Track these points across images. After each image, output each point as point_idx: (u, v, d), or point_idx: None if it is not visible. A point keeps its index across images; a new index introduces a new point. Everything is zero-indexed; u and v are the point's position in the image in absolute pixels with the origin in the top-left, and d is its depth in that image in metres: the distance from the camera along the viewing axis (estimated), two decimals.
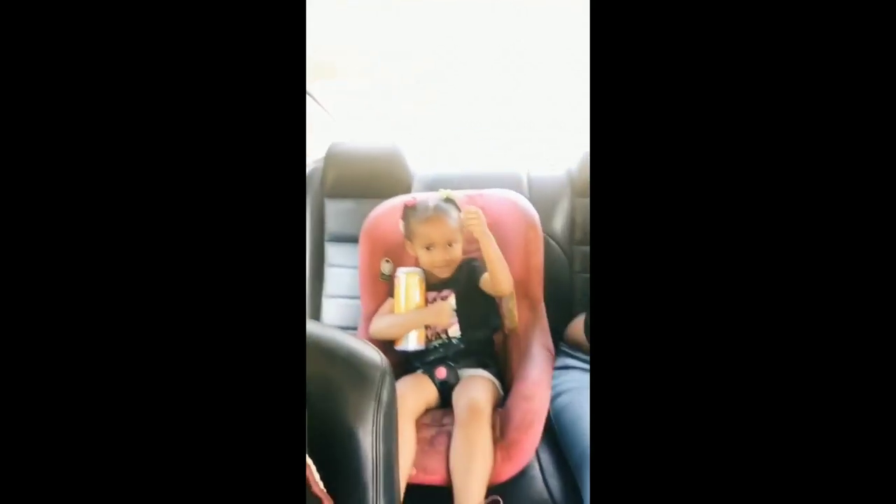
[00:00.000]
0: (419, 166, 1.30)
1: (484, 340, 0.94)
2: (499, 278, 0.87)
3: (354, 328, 1.08)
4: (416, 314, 0.90)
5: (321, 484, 0.42)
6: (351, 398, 0.50)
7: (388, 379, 0.51)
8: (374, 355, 0.52)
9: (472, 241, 1.01)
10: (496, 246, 0.87)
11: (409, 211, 0.96)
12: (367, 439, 0.48)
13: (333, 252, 1.28)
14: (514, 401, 0.79)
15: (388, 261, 1.04)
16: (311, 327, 0.56)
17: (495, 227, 1.03)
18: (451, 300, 0.92)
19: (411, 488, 0.73)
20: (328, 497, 0.42)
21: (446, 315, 0.89)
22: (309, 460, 0.43)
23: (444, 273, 0.94)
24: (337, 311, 1.25)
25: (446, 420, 0.81)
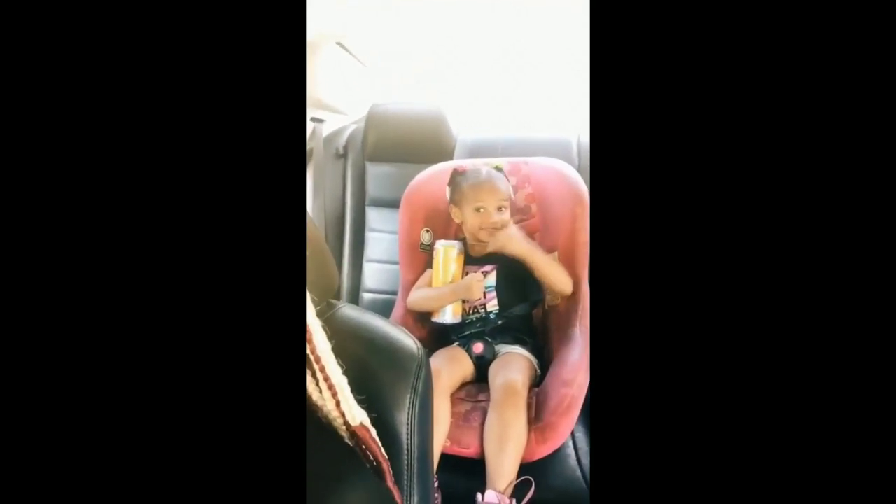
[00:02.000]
0: (463, 131, 1.25)
1: (523, 316, 0.93)
2: (556, 286, 0.88)
3: (393, 293, 1.09)
4: (449, 289, 0.90)
5: (382, 447, 0.43)
6: (387, 388, 0.50)
7: (424, 370, 0.51)
8: (412, 345, 0.52)
9: (516, 212, 0.98)
10: (542, 257, 0.88)
11: (458, 176, 0.94)
12: (403, 430, 0.48)
13: (374, 216, 1.28)
14: (552, 384, 0.78)
15: (428, 230, 1.03)
16: (351, 312, 0.56)
17: (540, 199, 0.99)
18: (490, 277, 0.90)
19: (445, 457, 0.75)
20: (386, 460, 0.43)
21: (477, 290, 0.87)
22: (368, 423, 0.43)
23: (491, 237, 0.91)
24: (377, 276, 1.26)
25: (482, 396, 0.82)
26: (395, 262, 1.12)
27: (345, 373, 0.45)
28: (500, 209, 0.90)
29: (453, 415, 0.78)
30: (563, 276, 0.88)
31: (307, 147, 1.26)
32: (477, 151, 1.17)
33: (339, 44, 1.05)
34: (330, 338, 0.46)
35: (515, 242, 0.86)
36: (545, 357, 0.90)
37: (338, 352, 0.48)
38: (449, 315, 0.90)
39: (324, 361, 0.44)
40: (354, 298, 1.27)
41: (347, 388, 0.45)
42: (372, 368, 0.50)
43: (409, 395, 0.49)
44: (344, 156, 1.31)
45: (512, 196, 0.94)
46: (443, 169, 1.03)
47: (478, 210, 0.90)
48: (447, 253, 0.91)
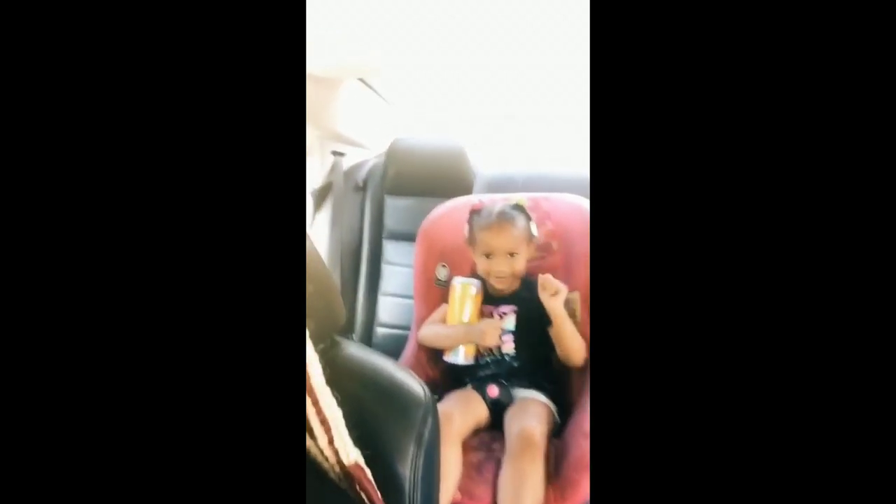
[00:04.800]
0: (482, 166, 1.24)
1: (541, 360, 0.88)
2: (571, 356, 0.83)
3: (409, 328, 1.06)
4: (463, 329, 0.86)
5: (378, 490, 0.41)
6: (390, 435, 0.46)
7: (430, 418, 0.47)
8: (418, 389, 0.48)
9: (538, 250, 0.94)
10: (570, 324, 0.82)
11: (473, 215, 0.90)
12: (405, 484, 0.44)
13: (391, 249, 1.27)
14: (573, 435, 0.72)
15: (444, 265, 1.00)
16: (355, 351, 0.53)
17: (562, 236, 0.96)
18: (508, 320, 0.86)
19: None
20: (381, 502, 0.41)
21: (491, 336, 0.83)
22: (363, 463, 0.41)
23: (502, 284, 0.88)
24: (392, 310, 1.24)
25: (496, 445, 0.77)
26: (411, 297, 1.10)
27: (339, 405, 0.42)
28: (511, 255, 0.85)
29: (465, 464, 0.73)
30: (580, 350, 0.83)
31: (327, 180, 1.27)
32: (496, 186, 1.16)
33: (360, 80, 1.07)
34: (325, 368, 0.43)
35: (559, 301, 0.80)
36: (565, 403, 0.85)
37: (337, 390, 0.45)
38: (461, 356, 0.85)
39: (317, 394, 0.41)
40: (368, 332, 1.25)
41: (342, 423, 0.43)
42: (374, 414, 0.46)
43: (412, 447, 0.45)
44: (363, 189, 1.31)
45: (534, 235, 0.90)
46: (460, 203, 1.02)
47: (487, 256, 0.86)
48: (465, 290, 0.87)
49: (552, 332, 0.84)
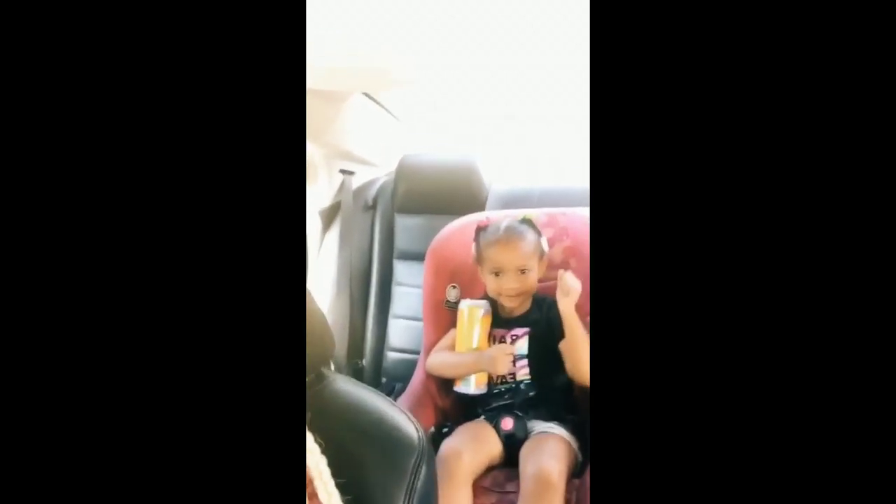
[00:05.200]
0: (495, 181, 1.20)
1: (561, 388, 0.81)
2: (579, 369, 0.76)
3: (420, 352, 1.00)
4: (472, 357, 0.80)
5: None
6: (378, 486, 0.40)
7: (424, 466, 0.41)
8: (411, 433, 0.42)
9: (552, 268, 0.88)
10: (581, 331, 0.75)
11: (479, 232, 0.86)
12: None
13: (402, 270, 1.22)
14: None
15: (454, 287, 0.95)
16: (344, 387, 0.47)
17: (578, 252, 0.90)
18: (519, 344, 0.80)
19: None
20: None
21: (502, 364, 0.77)
22: None
23: (514, 303, 0.82)
24: (403, 333, 1.18)
25: (510, 486, 0.70)
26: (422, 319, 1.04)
27: (323, 452, 0.38)
28: (522, 272, 0.80)
29: None
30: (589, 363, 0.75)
31: (335, 200, 1.25)
32: (511, 202, 1.11)
33: (365, 94, 1.04)
34: (307, 408, 0.38)
35: (570, 302, 0.75)
36: (589, 436, 0.77)
37: (321, 431, 0.39)
38: (472, 385, 0.79)
39: None
40: (378, 357, 1.20)
41: (327, 472, 0.38)
42: (360, 460, 0.41)
43: (402, 501, 0.39)
44: (373, 208, 1.28)
45: (544, 251, 0.85)
46: (472, 221, 0.97)
47: (496, 274, 0.81)
48: (472, 314, 0.82)
49: (562, 344, 0.77)
